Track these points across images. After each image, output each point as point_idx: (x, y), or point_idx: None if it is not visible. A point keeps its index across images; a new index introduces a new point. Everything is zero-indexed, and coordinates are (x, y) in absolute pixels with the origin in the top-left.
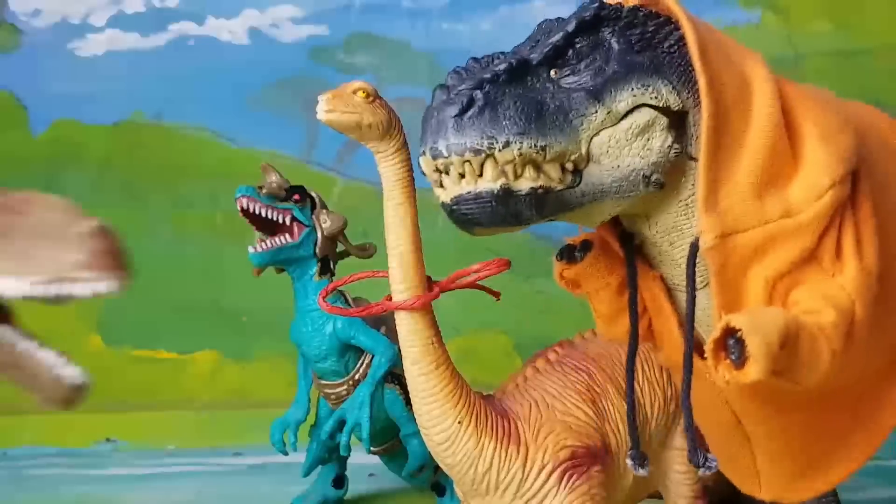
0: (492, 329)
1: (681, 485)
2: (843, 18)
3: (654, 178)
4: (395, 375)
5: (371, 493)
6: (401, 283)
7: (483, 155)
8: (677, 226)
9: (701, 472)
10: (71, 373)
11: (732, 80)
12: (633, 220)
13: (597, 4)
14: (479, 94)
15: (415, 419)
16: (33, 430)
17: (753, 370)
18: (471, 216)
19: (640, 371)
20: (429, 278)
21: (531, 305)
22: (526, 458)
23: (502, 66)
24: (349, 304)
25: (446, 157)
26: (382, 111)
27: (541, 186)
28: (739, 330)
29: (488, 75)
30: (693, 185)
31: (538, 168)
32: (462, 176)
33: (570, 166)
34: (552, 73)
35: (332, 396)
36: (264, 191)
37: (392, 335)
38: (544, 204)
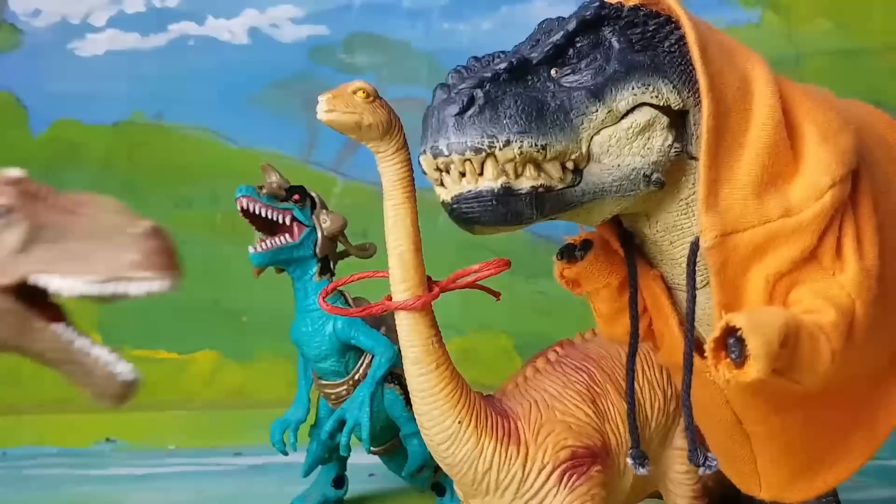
0: (492, 329)
1: (681, 485)
2: (844, 18)
3: (654, 177)
4: (395, 375)
5: (371, 493)
6: (401, 283)
7: (484, 154)
8: (678, 225)
9: (701, 471)
10: (123, 369)
11: (733, 79)
12: (634, 219)
13: (597, 4)
14: (479, 93)
15: (415, 419)
16: (33, 430)
17: (754, 369)
18: (471, 215)
19: (640, 371)
20: (429, 278)
21: (531, 305)
22: (526, 458)
23: (503, 65)
24: (349, 304)
25: (447, 156)
26: (382, 111)
27: (541, 185)
28: (739, 329)
29: (489, 74)
30: (693, 184)
31: (539, 167)
32: (463, 175)
33: (570, 165)
34: (553, 72)
35: (332, 396)
36: (264, 191)
37: (392, 335)
38: (545, 203)
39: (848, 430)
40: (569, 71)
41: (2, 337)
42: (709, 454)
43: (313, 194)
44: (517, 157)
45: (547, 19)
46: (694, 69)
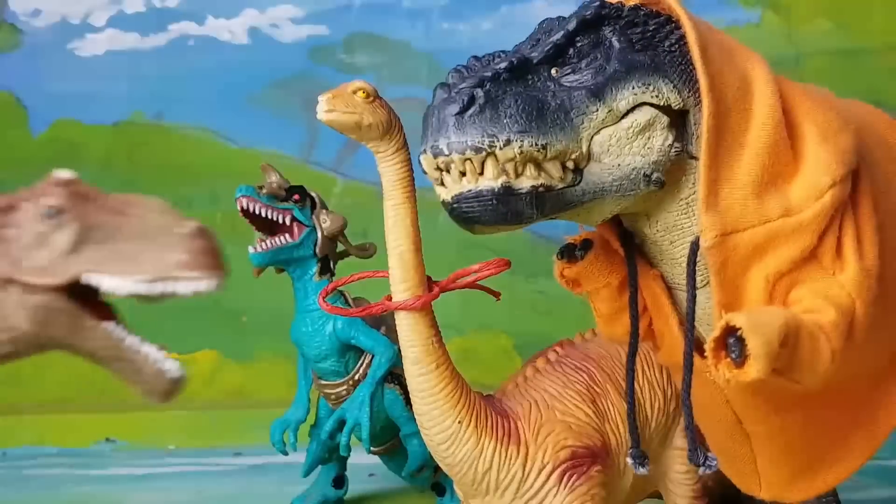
0: (492, 329)
1: (681, 485)
2: (844, 18)
3: (654, 176)
4: (395, 375)
5: (371, 493)
6: (401, 283)
7: (484, 153)
8: (678, 224)
9: (701, 471)
10: (171, 366)
11: (733, 79)
12: (634, 218)
13: (598, 3)
14: (480, 93)
15: (415, 419)
16: (33, 430)
17: (754, 369)
18: (472, 214)
19: (640, 371)
20: (429, 278)
21: (531, 305)
22: (526, 458)
23: (503, 65)
24: (349, 304)
25: (447, 156)
26: (382, 111)
27: (542, 185)
28: (740, 329)
29: (489, 73)
30: (694, 183)
31: (539, 166)
32: (463, 174)
33: (570, 165)
34: (553, 71)
35: (332, 396)
36: (264, 191)
37: (392, 335)
38: (545, 202)
39: (848, 430)
40: (569, 70)
41: (55, 335)
42: (709, 454)
43: (313, 194)
44: (517, 156)
45: (547, 19)
46: (694, 69)
